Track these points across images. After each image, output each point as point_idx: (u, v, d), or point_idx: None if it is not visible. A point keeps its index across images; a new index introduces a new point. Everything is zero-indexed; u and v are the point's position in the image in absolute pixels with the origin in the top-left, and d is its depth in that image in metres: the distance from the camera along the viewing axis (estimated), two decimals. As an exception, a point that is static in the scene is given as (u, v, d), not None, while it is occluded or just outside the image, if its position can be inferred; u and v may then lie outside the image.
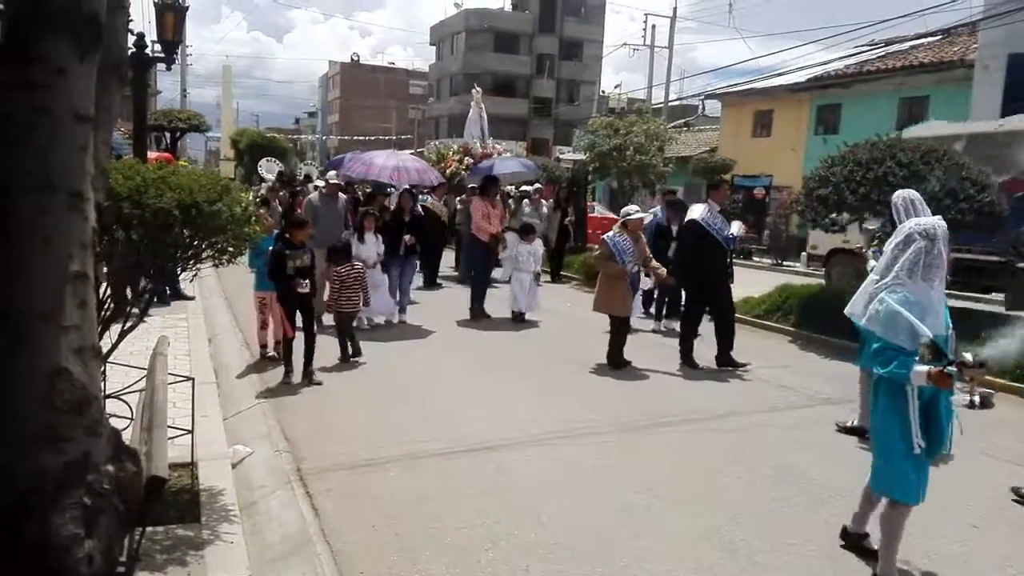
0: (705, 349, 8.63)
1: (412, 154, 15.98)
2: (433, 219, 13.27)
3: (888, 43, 25.50)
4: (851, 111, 24.10)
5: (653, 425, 6.33)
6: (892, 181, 9.75)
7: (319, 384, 7.04)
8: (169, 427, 3.74)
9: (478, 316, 10.72)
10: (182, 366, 6.88)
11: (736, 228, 8.55)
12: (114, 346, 4.35)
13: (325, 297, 8.48)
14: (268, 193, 16.60)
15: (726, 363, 8.40)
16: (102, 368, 3.95)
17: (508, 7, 60.70)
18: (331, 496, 4.68)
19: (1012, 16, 17.78)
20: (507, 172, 14.92)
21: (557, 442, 5.80)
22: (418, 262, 11.68)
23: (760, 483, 5.15)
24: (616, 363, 8.20)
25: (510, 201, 15.59)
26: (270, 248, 7.40)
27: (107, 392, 4.29)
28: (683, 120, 38.45)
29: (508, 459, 5.40)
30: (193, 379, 5.02)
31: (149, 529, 3.65)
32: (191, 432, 4.69)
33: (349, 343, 8.05)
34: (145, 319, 4.70)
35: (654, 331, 10.58)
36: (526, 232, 11.00)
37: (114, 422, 3.40)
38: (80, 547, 2.15)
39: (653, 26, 35.73)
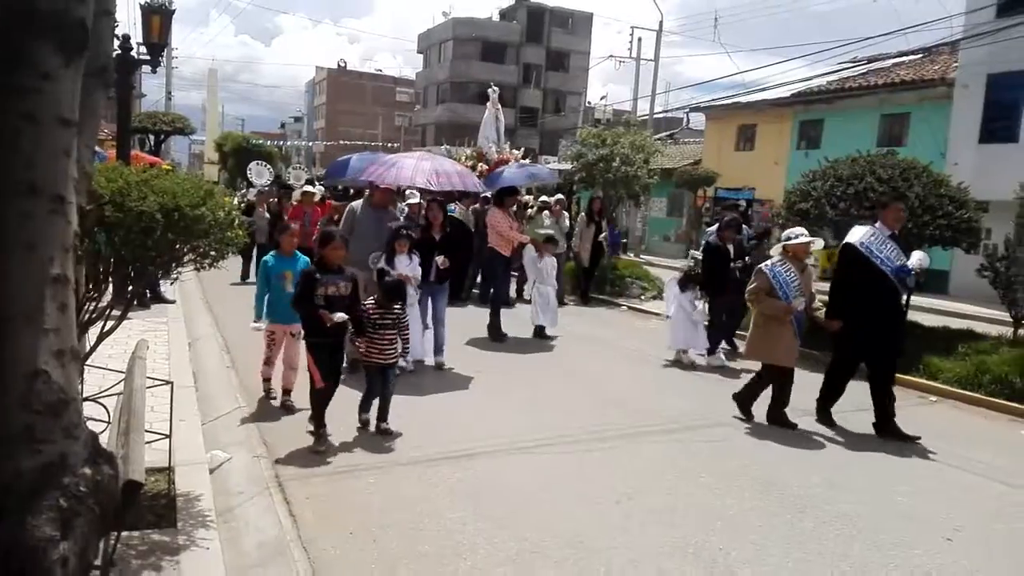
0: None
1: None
2: (462, 231, 12.48)
3: (871, 60, 25.85)
4: (833, 127, 24.36)
5: (632, 435, 6.36)
6: (872, 196, 9.91)
7: (327, 446, 5.60)
8: (147, 431, 3.72)
9: (496, 335, 10.01)
10: (161, 370, 6.83)
11: (916, 260, 6.64)
12: (92, 348, 4.33)
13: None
14: (256, 198, 16.23)
15: (890, 433, 6.68)
16: (80, 371, 3.93)
17: (496, 17, 60.95)
18: (309, 503, 4.67)
19: (992, 36, 18.09)
20: (520, 180, 13.10)
21: (538, 451, 5.81)
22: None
23: (739, 493, 5.18)
24: (781, 421, 6.79)
25: (530, 211, 14.55)
26: (285, 270, 6.54)
27: (85, 395, 4.28)
28: (668, 132, 38.71)
29: (488, 467, 5.41)
30: (172, 383, 4.99)
31: (124, 534, 3.63)
32: (169, 437, 4.67)
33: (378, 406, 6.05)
34: (126, 319, 4.67)
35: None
36: (547, 243, 10.60)
37: (91, 425, 3.38)
38: (55, 549, 2.15)
39: (639, 39, 35.92)
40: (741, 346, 9.24)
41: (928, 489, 5.56)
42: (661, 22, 38.25)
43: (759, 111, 27.18)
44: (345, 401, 6.09)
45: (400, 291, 6.14)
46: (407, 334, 6.38)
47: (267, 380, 6.86)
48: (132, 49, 10.17)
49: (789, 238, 6.96)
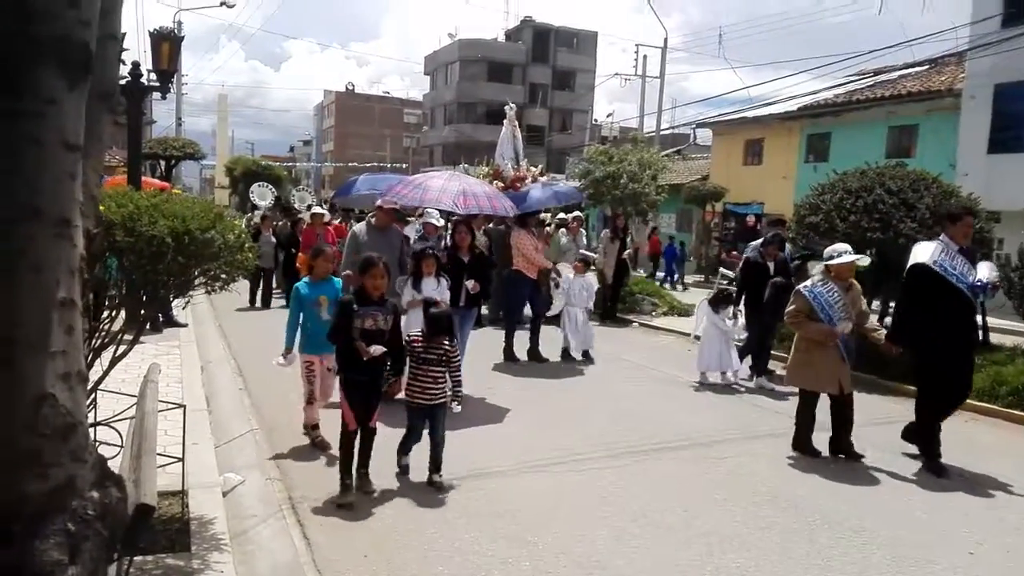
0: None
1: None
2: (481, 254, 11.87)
3: (877, 72, 25.83)
4: (841, 140, 24.34)
5: (648, 452, 6.31)
6: (882, 208, 9.87)
7: (373, 494, 5.12)
8: (160, 455, 3.71)
9: (510, 355, 9.93)
10: (174, 393, 6.84)
11: (986, 271, 6.09)
12: (105, 373, 4.34)
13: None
14: (261, 222, 16.28)
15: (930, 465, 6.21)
16: (92, 395, 3.94)
17: (502, 38, 61.42)
18: (323, 525, 4.64)
19: (997, 47, 18.06)
20: (548, 201, 12.92)
21: (552, 470, 5.77)
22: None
23: (756, 510, 5.12)
24: (805, 448, 6.41)
25: (548, 229, 14.67)
26: (319, 296, 6.06)
27: (98, 419, 4.28)
28: (675, 148, 38.78)
29: (502, 487, 5.37)
30: (184, 406, 4.99)
31: (139, 558, 3.61)
32: (182, 460, 4.66)
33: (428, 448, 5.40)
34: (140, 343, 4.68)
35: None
36: (581, 264, 10.64)
37: (104, 449, 3.38)
38: (63, 573, 2.13)
39: (644, 56, 36.03)
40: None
41: (947, 503, 5.48)
42: (666, 39, 38.47)
43: (766, 125, 27.19)
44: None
45: (448, 323, 5.39)
46: (458, 375, 5.54)
47: (315, 427, 6.14)
48: (142, 76, 10.27)
49: (832, 256, 6.37)
